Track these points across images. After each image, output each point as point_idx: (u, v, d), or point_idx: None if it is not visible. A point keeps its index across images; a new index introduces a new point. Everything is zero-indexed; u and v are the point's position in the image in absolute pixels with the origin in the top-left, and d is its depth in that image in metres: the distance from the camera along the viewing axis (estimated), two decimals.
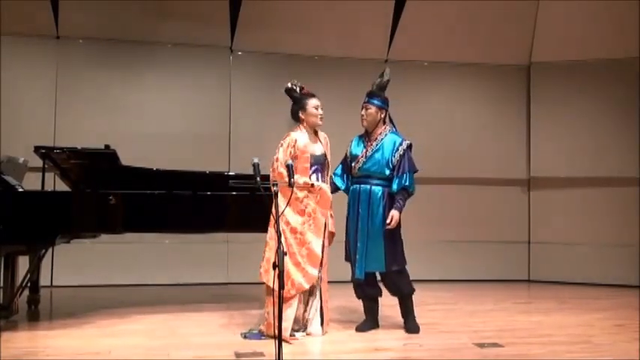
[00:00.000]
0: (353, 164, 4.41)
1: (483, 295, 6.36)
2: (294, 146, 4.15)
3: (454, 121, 7.31)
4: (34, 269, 4.82)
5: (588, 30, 7.20)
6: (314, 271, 4.07)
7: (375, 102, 4.38)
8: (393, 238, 4.28)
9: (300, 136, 4.21)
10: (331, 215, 4.27)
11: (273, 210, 4.00)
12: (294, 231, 4.02)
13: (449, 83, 7.60)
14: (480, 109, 7.66)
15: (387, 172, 4.29)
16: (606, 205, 7.28)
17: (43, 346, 3.87)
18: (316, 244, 4.09)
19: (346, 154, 4.51)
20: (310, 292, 4.19)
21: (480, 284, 7.17)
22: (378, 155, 4.32)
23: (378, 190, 4.29)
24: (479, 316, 5.09)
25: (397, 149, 4.30)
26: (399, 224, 4.23)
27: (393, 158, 4.29)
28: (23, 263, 4.76)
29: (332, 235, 4.28)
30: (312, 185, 4.07)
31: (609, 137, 7.28)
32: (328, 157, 4.32)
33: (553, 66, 7.50)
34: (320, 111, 4.24)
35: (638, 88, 7.17)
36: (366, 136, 4.43)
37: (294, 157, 4.10)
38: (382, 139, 4.35)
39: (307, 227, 4.08)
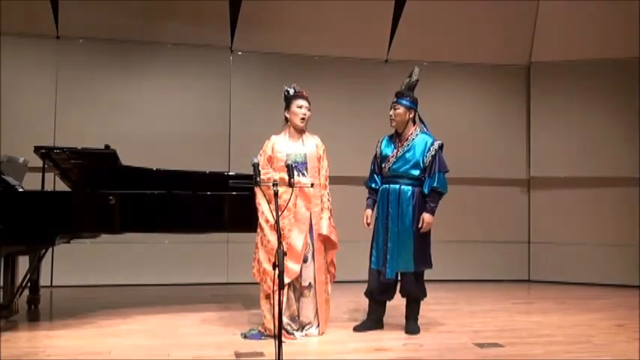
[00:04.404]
0: (383, 164, 4.41)
1: (483, 295, 6.37)
2: (272, 149, 4.21)
3: (454, 121, 7.30)
4: (34, 269, 4.83)
5: (588, 30, 7.20)
6: (295, 267, 4.06)
7: (404, 102, 4.36)
8: (423, 238, 4.29)
9: (278, 138, 4.28)
10: (329, 218, 4.25)
11: (260, 209, 4.07)
12: (273, 227, 4.01)
13: (449, 83, 7.61)
14: (480, 109, 7.66)
15: (417, 172, 4.30)
16: (606, 205, 7.28)
17: (43, 346, 3.87)
18: (297, 239, 4.09)
19: (376, 154, 4.52)
20: (302, 293, 4.19)
21: (480, 284, 7.17)
22: (408, 155, 4.32)
23: (407, 189, 4.29)
24: (479, 316, 5.09)
25: (429, 149, 4.30)
26: None
27: (425, 158, 4.29)
28: (23, 263, 4.78)
29: (326, 238, 4.20)
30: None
31: (609, 137, 7.28)
32: (318, 160, 4.26)
33: (553, 66, 7.50)
34: (303, 110, 4.22)
35: (638, 88, 7.17)
36: (397, 137, 4.44)
37: (270, 160, 4.18)
38: (413, 139, 4.36)
39: (287, 222, 4.07)
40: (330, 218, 4.23)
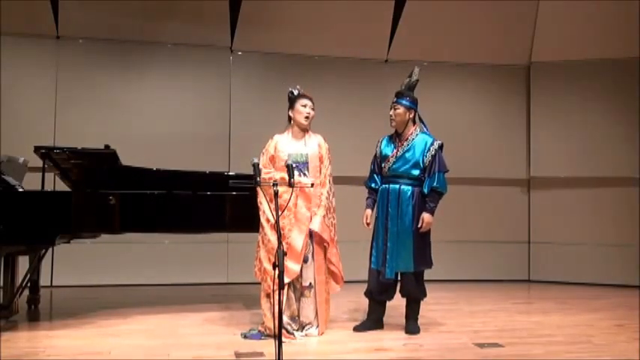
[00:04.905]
0: (383, 164, 4.42)
1: (483, 295, 6.37)
2: (274, 148, 4.24)
3: (454, 121, 7.31)
4: (34, 269, 4.83)
5: (588, 30, 7.20)
6: (295, 266, 4.07)
7: (404, 102, 4.37)
8: (422, 238, 4.29)
9: (281, 137, 4.31)
10: (325, 216, 4.22)
11: (261, 208, 4.09)
12: (274, 227, 4.01)
13: (449, 83, 7.61)
14: (480, 109, 7.67)
15: (417, 172, 4.30)
16: (606, 205, 7.28)
17: (43, 346, 3.87)
18: (297, 238, 4.09)
19: (376, 154, 4.52)
20: (302, 293, 4.19)
21: (480, 284, 7.17)
22: (408, 155, 4.33)
23: (407, 189, 4.29)
24: (479, 316, 5.09)
25: (429, 149, 4.30)
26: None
27: (425, 158, 4.29)
28: (23, 263, 4.78)
29: (318, 236, 4.17)
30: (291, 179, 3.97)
31: (609, 137, 7.28)
32: (320, 160, 4.26)
33: (553, 66, 7.50)
34: (307, 109, 4.25)
35: (638, 88, 7.17)
36: (397, 137, 4.44)
37: (273, 159, 4.22)
38: (413, 139, 4.36)
39: (287, 222, 4.08)
40: (324, 216, 4.19)
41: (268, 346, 3.68)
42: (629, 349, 3.93)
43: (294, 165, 3.84)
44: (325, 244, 4.21)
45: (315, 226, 4.15)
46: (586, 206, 7.36)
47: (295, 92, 4.30)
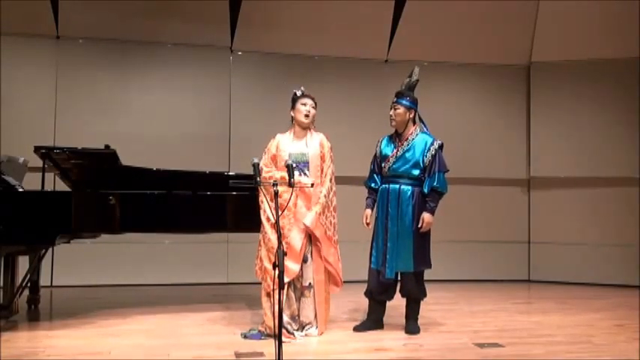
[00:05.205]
0: (383, 164, 4.42)
1: (483, 295, 6.37)
2: (276, 147, 4.26)
3: (454, 121, 7.31)
4: (34, 269, 4.83)
5: (588, 30, 7.21)
6: (294, 266, 4.07)
7: (404, 102, 4.37)
8: (422, 238, 4.29)
9: (282, 137, 4.32)
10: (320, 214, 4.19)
11: (262, 207, 4.10)
12: (274, 226, 4.01)
13: (449, 83, 7.61)
14: (480, 109, 7.66)
15: (417, 172, 4.30)
16: (606, 205, 7.29)
17: (43, 346, 3.87)
18: (296, 238, 4.10)
19: (375, 154, 4.53)
20: (302, 293, 4.19)
21: (480, 284, 7.17)
22: (408, 155, 4.33)
23: (407, 189, 4.30)
24: (479, 316, 5.09)
25: (429, 149, 4.30)
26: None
27: (425, 158, 4.29)
28: (23, 263, 4.78)
29: (312, 232, 4.14)
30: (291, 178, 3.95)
31: (609, 137, 7.28)
32: (321, 159, 4.26)
33: (553, 66, 7.50)
34: (307, 107, 4.26)
35: (638, 88, 7.17)
36: (397, 137, 4.44)
37: (274, 158, 4.24)
38: (413, 139, 4.36)
39: (287, 221, 4.08)
40: (319, 214, 4.15)
41: (268, 346, 3.68)
42: (629, 349, 3.93)
43: (294, 165, 3.84)
44: (317, 242, 4.18)
45: (308, 220, 4.12)
46: (586, 206, 7.36)
47: (299, 93, 4.31)
